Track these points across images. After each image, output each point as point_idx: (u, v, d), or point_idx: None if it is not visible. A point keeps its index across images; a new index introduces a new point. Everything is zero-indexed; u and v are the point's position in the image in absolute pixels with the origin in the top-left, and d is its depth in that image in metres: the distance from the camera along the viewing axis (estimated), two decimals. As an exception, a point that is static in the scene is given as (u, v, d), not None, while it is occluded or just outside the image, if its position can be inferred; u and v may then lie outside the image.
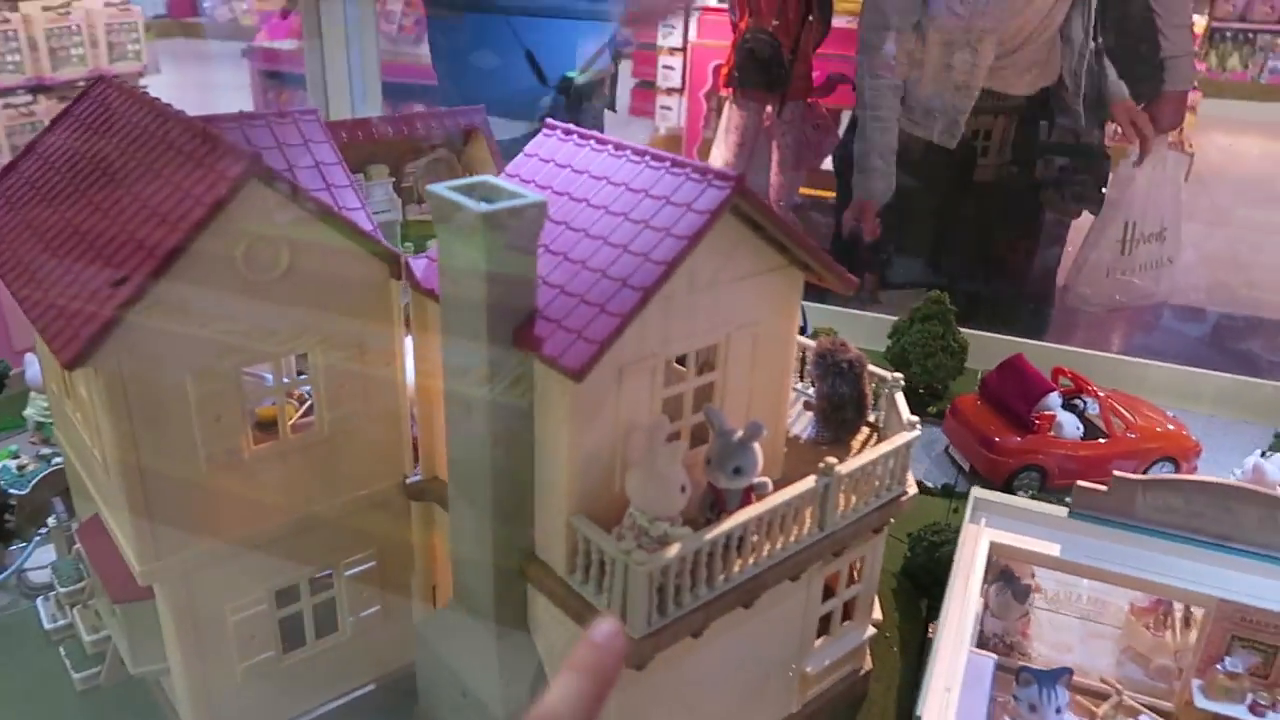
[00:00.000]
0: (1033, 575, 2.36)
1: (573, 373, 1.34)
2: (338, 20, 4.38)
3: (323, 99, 4.31)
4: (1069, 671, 1.89)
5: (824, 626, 1.88)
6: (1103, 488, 2.01)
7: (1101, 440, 2.95)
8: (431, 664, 1.72)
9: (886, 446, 1.74)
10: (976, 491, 2.10)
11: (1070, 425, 3.03)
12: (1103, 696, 2.01)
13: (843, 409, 1.89)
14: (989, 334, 3.69)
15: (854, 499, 1.72)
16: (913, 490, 1.84)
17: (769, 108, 4.46)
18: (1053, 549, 1.99)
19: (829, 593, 1.85)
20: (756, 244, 1.58)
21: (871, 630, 1.96)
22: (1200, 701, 1.94)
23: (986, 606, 2.26)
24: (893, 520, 1.87)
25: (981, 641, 2.19)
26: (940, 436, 3.27)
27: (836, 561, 1.77)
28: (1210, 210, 5.36)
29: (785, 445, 1.84)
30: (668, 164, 1.49)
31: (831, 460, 1.63)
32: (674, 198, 1.45)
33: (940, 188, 4.19)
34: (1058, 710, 1.86)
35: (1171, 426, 3.06)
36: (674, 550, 1.42)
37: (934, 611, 2.09)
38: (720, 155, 4.76)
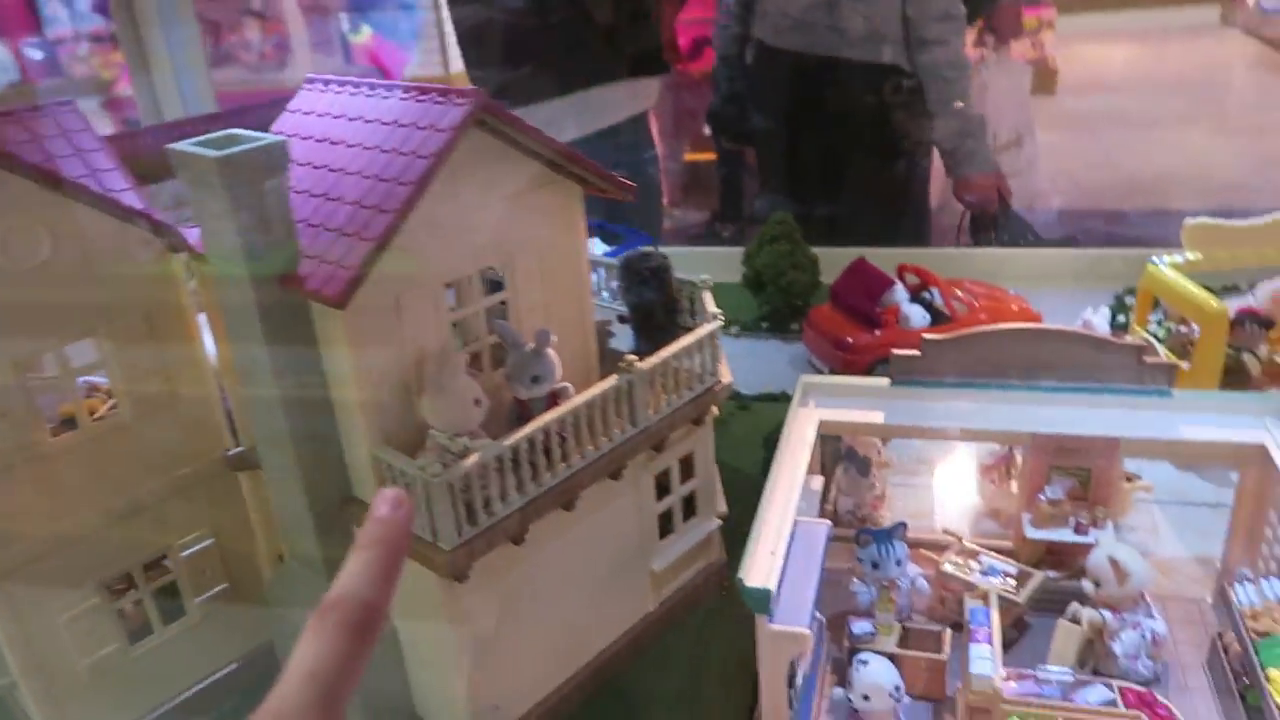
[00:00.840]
0: (879, 452, 2.46)
1: (334, 301, 1.36)
2: (161, 51, 4.30)
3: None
4: (903, 525, 1.98)
5: (667, 524, 1.93)
6: (916, 353, 2.10)
7: (945, 324, 3.07)
8: (283, 625, 1.73)
9: (689, 339, 1.79)
10: (804, 378, 2.17)
11: (917, 315, 3.15)
12: (947, 547, 2.12)
13: (652, 315, 1.95)
14: (877, 249, 3.80)
15: (664, 394, 1.77)
16: (727, 379, 1.90)
17: None
18: (877, 416, 2.08)
19: (666, 491, 1.90)
20: (521, 160, 1.61)
21: (717, 522, 2.02)
22: (1030, 532, 2.05)
23: (838, 486, 2.36)
24: (715, 411, 1.93)
25: (836, 519, 2.29)
26: (806, 351, 3.37)
27: (661, 457, 1.83)
28: (1076, 117, 5.59)
29: (601, 358, 1.88)
30: (415, 93, 1.51)
31: (631, 358, 1.68)
32: (420, 122, 1.47)
33: (803, 119, 4.32)
34: (898, 562, 1.95)
35: (1015, 307, 3.20)
36: (472, 460, 1.45)
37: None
38: None
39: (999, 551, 2.12)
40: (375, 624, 0.69)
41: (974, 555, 2.09)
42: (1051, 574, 2.04)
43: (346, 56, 6.59)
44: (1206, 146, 4.97)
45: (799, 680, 1.84)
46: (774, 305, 3.59)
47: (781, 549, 1.68)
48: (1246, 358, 2.68)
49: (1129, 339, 2.22)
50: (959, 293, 3.21)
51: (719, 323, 1.81)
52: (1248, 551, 1.96)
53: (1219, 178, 4.65)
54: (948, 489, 2.59)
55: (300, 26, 6.49)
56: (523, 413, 1.62)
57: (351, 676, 0.66)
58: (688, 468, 1.94)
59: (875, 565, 1.96)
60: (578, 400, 1.60)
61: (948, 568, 2.05)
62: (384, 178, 1.43)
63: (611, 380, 1.64)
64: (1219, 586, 1.90)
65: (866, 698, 1.73)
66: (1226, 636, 1.86)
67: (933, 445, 2.78)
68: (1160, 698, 1.75)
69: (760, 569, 1.62)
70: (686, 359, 1.77)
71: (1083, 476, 2.04)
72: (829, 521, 1.92)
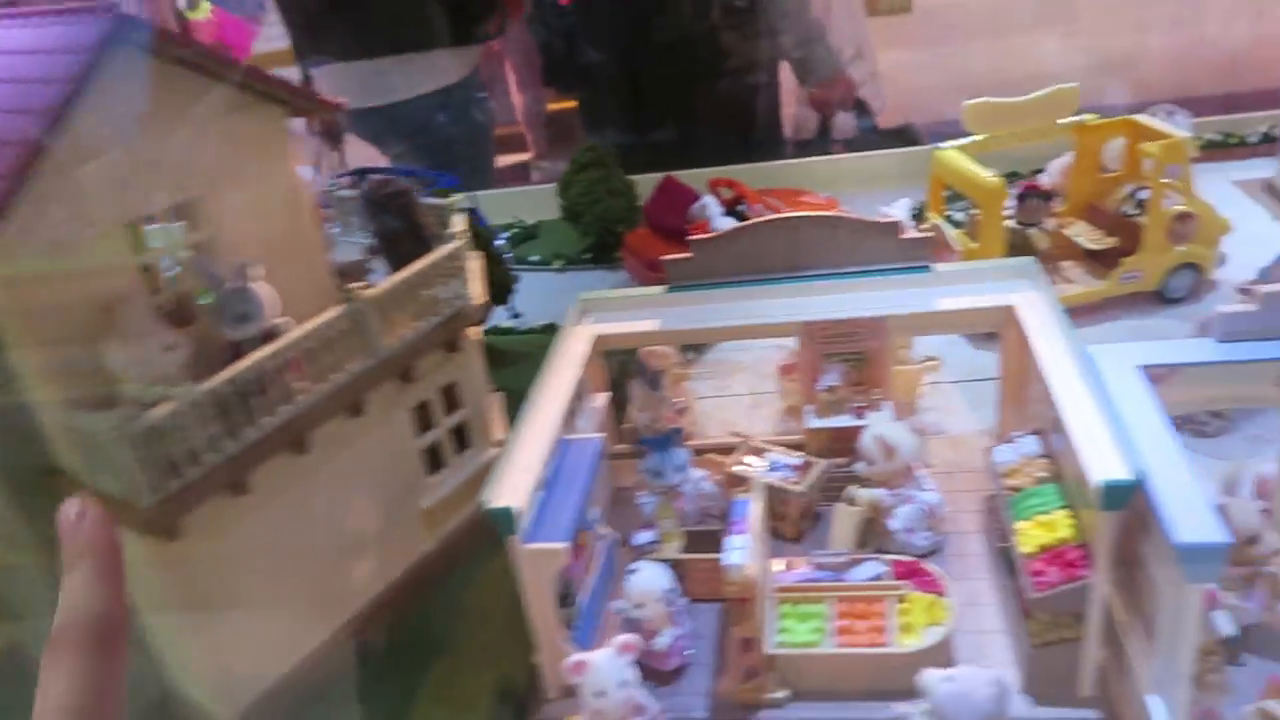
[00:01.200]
0: (675, 364, 2.44)
1: (-34, 248, 1.23)
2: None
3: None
4: (678, 430, 1.96)
5: (437, 459, 1.87)
6: (687, 255, 2.06)
7: (754, 232, 3.05)
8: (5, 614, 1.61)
9: (423, 262, 1.71)
10: (581, 295, 2.12)
11: (727, 227, 3.11)
12: (735, 448, 2.11)
13: (399, 243, 1.85)
14: (725, 167, 3.75)
15: (408, 321, 1.69)
16: (480, 301, 1.83)
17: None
18: (653, 324, 2.04)
19: (430, 425, 1.83)
20: (201, 83, 1.49)
21: (493, 452, 1.96)
22: (812, 422, 2.05)
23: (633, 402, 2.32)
24: (475, 335, 1.86)
25: (636, 435, 2.25)
26: (629, 278, 3.32)
27: (414, 388, 1.75)
28: (932, 32, 5.64)
29: (333, 290, 1.78)
30: (37, 16, 1.37)
31: (356, 285, 1.59)
32: (53, 46, 1.33)
33: (637, 50, 4.25)
34: (678, 468, 1.93)
35: (839, 208, 3.19)
36: (163, 409, 1.35)
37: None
38: None
39: (791, 446, 2.13)
40: (117, 634, 0.65)
41: (761, 453, 2.09)
42: (838, 462, 2.05)
43: (184, 30, 6.20)
44: (1057, 49, 5.06)
45: (582, 598, 1.81)
46: (595, 235, 3.53)
47: (537, 466, 1.63)
48: (1033, 233, 2.73)
49: (892, 218, 2.22)
50: (772, 201, 3.19)
51: (458, 242, 1.72)
52: (1017, 414, 2.01)
53: (1063, 79, 4.76)
54: (755, 392, 2.60)
55: (132, 4, 6.08)
56: (236, 356, 1.51)
57: (107, 696, 0.62)
58: (453, 398, 1.86)
59: (656, 474, 1.93)
60: (293, 335, 1.51)
61: (735, 468, 2.04)
62: (12, 110, 1.30)
63: (333, 311, 1.54)
64: (987, 451, 1.93)
65: (640, 605, 1.71)
66: (992, 499, 1.90)
67: (745, 350, 2.78)
68: (929, 566, 1.78)
69: (507, 489, 1.56)
70: (423, 283, 1.68)
71: (857, 362, 2.04)
72: (601, 435, 1.88)
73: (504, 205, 4.05)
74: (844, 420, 2.03)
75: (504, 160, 5.36)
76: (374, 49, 4.04)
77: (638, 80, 4.44)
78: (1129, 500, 1.38)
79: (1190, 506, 1.28)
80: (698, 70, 4.40)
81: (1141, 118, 2.69)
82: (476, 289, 1.80)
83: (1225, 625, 1.39)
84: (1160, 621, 1.40)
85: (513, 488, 1.58)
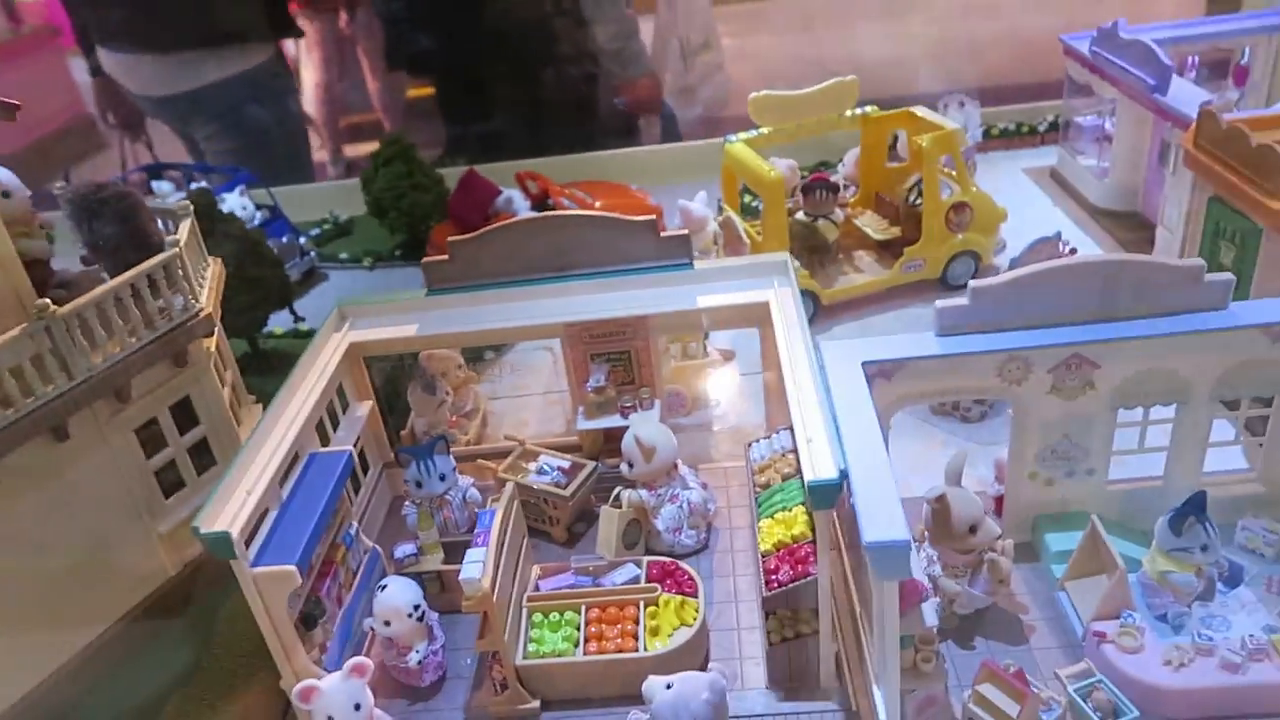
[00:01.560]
0: (460, 368, 2.39)
1: None
2: None
3: None
4: (441, 439, 1.91)
5: (177, 479, 1.77)
6: (444, 258, 2.01)
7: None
8: None
9: (131, 273, 1.60)
10: (341, 302, 2.05)
11: (533, 221, 3.06)
12: (509, 453, 2.07)
13: (118, 251, 1.73)
14: (533, 160, 3.69)
15: (111, 335, 1.58)
16: (209, 313, 1.73)
17: (342, 15, 4.23)
18: (410, 330, 1.98)
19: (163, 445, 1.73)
20: None
21: (246, 467, 1.86)
22: (581, 424, 2.03)
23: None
24: (212, 348, 1.76)
25: (415, 441, 2.19)
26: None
27: (136, 407, 1.65)
28: (790, 18, 5.66)
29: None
30: None
31: (43, 302, 1.48)
32: None
33: (465, 39, 4.15)
34: (441, 477, 1.88)
35: (634, 201, 3.17)
36: None
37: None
38: (310, 76, 4.44)
39: (567, 449, 2.11)
40: None
41: (534, 457, 2.06)
42: (609, 463, 2.04)
43: (10, 13, 5.77)
44: (904, 34, 5.14)
45: (338, 615, 1.74)
46: (404, 231, 3.43)
47: (263, 486, 1.56)
48: (821, 224, 2.78)
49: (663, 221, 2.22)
50: (578, 194, 3.16)
51: (172, 251, 1.62)
52: (780, 409, 2.03)
53: (904, 63, 4.82)
54: (550, 391, 2.57)
55: None
56: (-93, 383, 1.38)
57: None
58: (188, 415, 1.76)
59: (419, 485, 1.88)
60: (-34, 359, 1.39)
61: (502, 474, 2.01)
62: None
63: (13, 332, 1.43)
64: (748, 447, 1.95)
65: (388, 623, 1.66)
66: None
67: (545, 349, 2.74)
68: (685, 566, 1.79)
69: (223, 512, 1.49)
70: (136, 295, 1.58)
71: (624, 361, 2.03)
72: (350, 449, 1.81)
73: (320, 200, 3.90)
74: (612, 421, 2.01)
75: (358, 149, 5.15)
76: (163, 40, 3.84)
77: (472, 69, 4.35)
78: (836, 498, 1.41)
79: (881, 506, 1.31)
80: (524, 60, 4.34)
81: (919, 110, 2.76)
82: (207, 298, 1.70)
83: (930, 616, 1.43)
84: (873, 614, 1.43)
85: (232, 510, 1.50)
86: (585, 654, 1.63)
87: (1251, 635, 1.53)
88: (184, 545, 1.80)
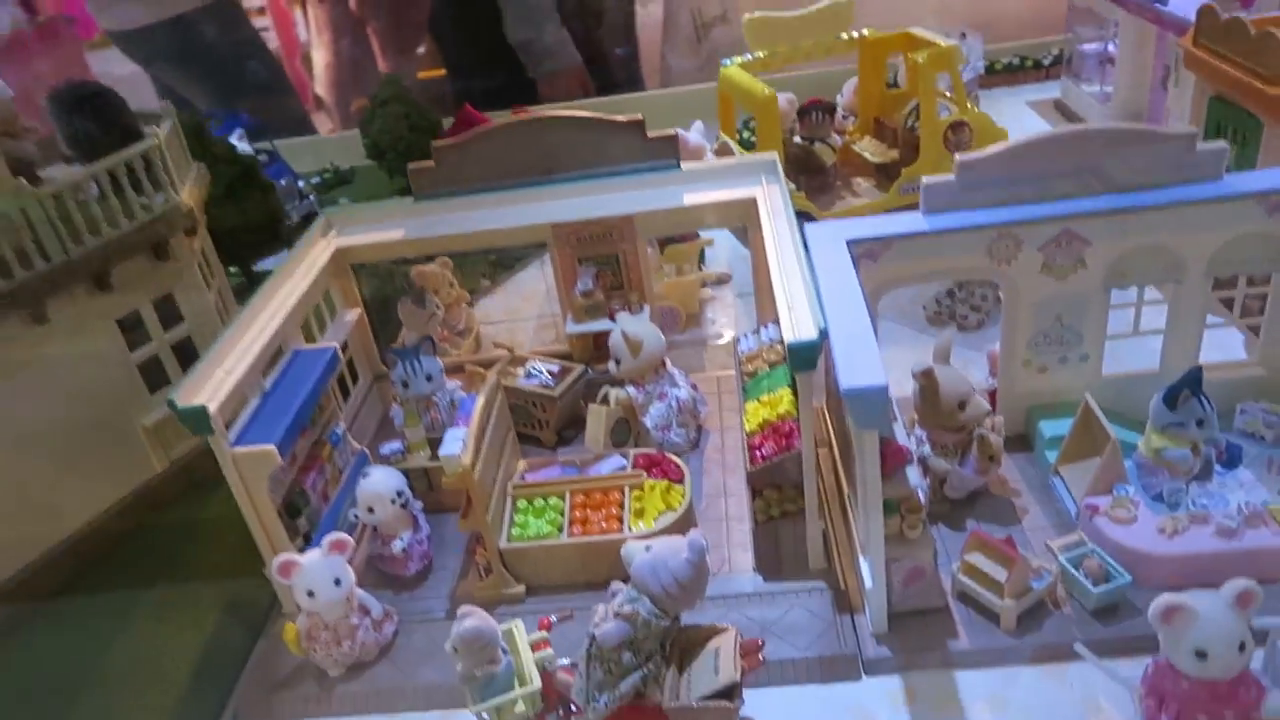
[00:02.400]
0: (452, 284, 2.38)
1: None
2: None
3: None
4: (428, 339, 1.90)
5: (161, 375, 1.77)
6: (430, 164, 2.00)
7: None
8: None
9: (107, 161, 1.60)
10: (326, 210, 2.04)
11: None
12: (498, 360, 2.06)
13: (98, 147, 1.73)
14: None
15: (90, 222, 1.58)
16: (192, 207, 1.73)
17: None
18: (396, 235, 1.97)
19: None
20: None
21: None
22: (570, 328, 2.02)
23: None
24: (192, 246, 1.76)
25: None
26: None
27: (119, 299, 1.65)
28: None
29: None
30: None
31: (17, 180, 1.48)
32: None
33: None
34: (428, 378, 1.87)
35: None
36: None
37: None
38: (320, 58, 4.43)
39: (557, 355, 2.09)
40: None
41: (523, 363, 2.05)
42: (598, 368, 2.03)
43: (25, 3, 5.80)
44: None
45: (323, 510, 1.74)
46: (401, 176, 3.42)
47: (242, 368, 1.55)
48: (818, 147, 2.75)
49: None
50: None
51: (153, 141, 1.62)
52: (769, 306, 2.01)
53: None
54: (544, 314, 2.56)
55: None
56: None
57: None
58: (172, 311, 1.76)
59: (404, 384, 1.87)
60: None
61: (493, 379, 1.99)
62: None
63: (-7, 205, 1.43)
64: (734, 342, 1.93)
65: (371, 509, 1.65)
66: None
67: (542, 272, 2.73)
68: (671, 457, 1.77)
69: (201, 389, 1.48)
70: (113, 186, 1.58)
71: (612, 264, 2.01)
72: (335, 345, 1.80)
73: (321, 152, 3.90)
74: (601, 325, 2.00)
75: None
76: None
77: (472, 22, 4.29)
78: (816, 359, 1.38)
79: (860, 355, 1.28)
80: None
81: (917, 30, 2.72)
82: (188, 196, 1.70)
83: (914, 477, 1.40)
84: (856, 476, 1.41)
85: (211, 387, 1.49)
86: (569, 538, 1.62)
87: (1248, 502, 1.50)
88: (172, 442, 1.80)
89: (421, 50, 4.56)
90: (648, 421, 1.87)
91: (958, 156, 1.59)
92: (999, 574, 1.44)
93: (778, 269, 1.59)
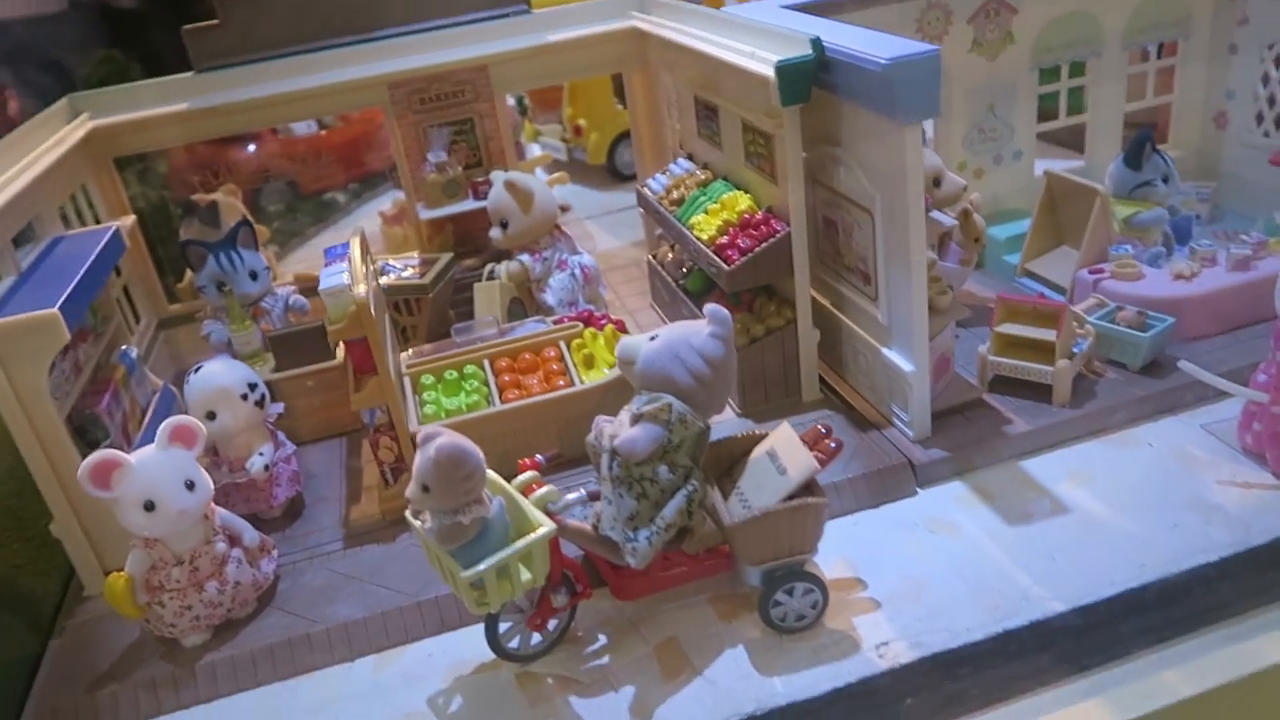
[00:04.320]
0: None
1: None
2: None
3: None
4: (244, 223, 1.41)
5: None
6: (214, 22, 1.55)
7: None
8: None
9: None
10: (70, 96, 1.53)
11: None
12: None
13: None
14: None
15: None
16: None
17: None
18: (179, 107, 1.49)
19: None
20: None
21: None
22: (424, 214, 1.61)
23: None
24: None
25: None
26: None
27: None
28: None
29: None
30: None
31: None
32: None
33: None
34: (252, 275, 1.38)
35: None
36: None
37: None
38: None
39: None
40: None
41: (374, 262, 1.60)
42: (468, 264, 1.63)
43: None
44: None
45: (117, 440, 1.21)
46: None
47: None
48: None
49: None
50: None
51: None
52: (658, 155, 1.73)
53: None
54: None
55: None
56: None
57: None
58: None
59: (221, 286, 1.38)
60: None
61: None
62: None
63: None
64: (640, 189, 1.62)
65: (212, 415, 1.15)
66: (660, 251, 1.59)
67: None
68: (600, 311, 1.41)
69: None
70: None
71: (467, 131, 1.64)
72: (116, 225, 1.29)
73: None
74: (462, 205, 1.61)
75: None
76: None
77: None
78: (808, 82, 1.10)
79: (880, 40, 1.03)
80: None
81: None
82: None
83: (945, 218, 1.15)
84: (880, 228, 1.13)
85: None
86: (508, 405, 1.20)
87: (1249, 232, 1.39)
88: None
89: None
90: (549, 297, 1.49)
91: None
92: (1045, 335, 1.21)
93: (710, 49, 1.30)
